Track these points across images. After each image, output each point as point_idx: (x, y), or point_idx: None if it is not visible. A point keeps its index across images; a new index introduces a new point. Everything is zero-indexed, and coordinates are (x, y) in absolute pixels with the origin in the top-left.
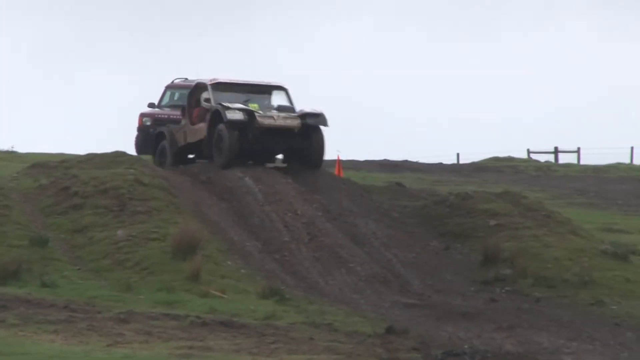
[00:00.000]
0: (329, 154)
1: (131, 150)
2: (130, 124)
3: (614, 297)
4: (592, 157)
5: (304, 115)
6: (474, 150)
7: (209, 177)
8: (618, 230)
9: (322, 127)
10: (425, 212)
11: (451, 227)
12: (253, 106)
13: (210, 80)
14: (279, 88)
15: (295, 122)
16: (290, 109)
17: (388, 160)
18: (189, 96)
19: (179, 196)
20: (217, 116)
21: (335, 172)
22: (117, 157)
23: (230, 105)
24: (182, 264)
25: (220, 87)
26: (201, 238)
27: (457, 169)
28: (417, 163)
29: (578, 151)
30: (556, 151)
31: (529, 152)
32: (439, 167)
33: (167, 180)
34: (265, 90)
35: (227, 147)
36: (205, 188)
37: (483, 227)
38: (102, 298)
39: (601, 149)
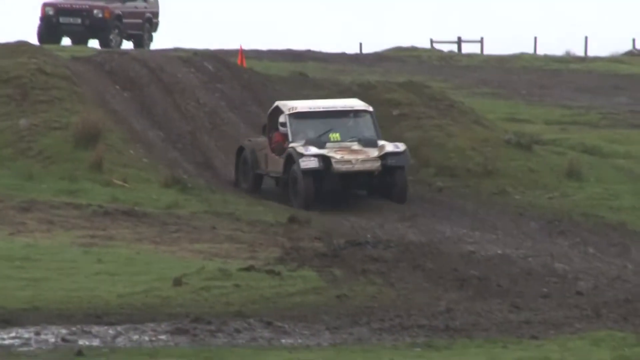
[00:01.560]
0: (232, 44)
1: (34, 40)
2: (33, 13)
3: (518, 187)
4: (495, 47)
5: (385, 156)
6: (376, 40)
7: (112, 67)
8: (522, 120)
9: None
10: None
11: None
12: (334, 136)
13: (289, 109)
14: (364, 112)
15: (375, 165)
16: (372, 141)
17: (291, 50)
18: (269, 116)
19: (81, 86)
20: (291, 158)
21: (238, 62)
22: (20, 47)
23: (304, 151)
24: (84, 153)
25: (299, 115)
26: (103, 127)
27: (360, 59)
28: (320, 53)
29: (481, 41)
30: (459, 41)
31: (432, 41)
32: (341, 57)
33: (70, 70)
34: (348, 114)
35: (302, 192)
36: (108, 78)
37: (386, 116)
38: (4, 187)
39: (505, 38)
